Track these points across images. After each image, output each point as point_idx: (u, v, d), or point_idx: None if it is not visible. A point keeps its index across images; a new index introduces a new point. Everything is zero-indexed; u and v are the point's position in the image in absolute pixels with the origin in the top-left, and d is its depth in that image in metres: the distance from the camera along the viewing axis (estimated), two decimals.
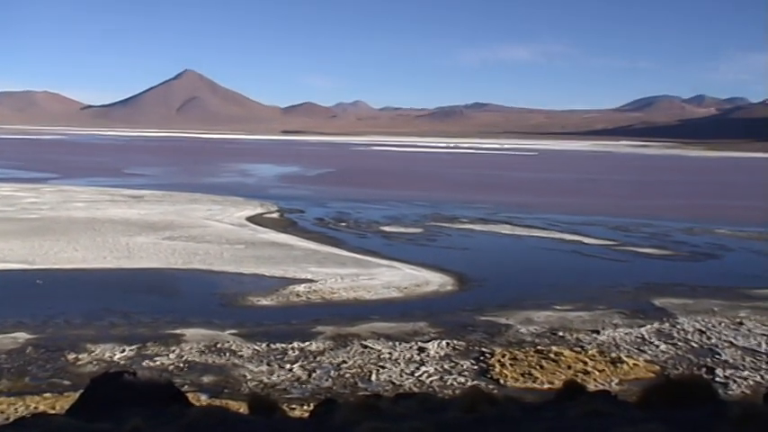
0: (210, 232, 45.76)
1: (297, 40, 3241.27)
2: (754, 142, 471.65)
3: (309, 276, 33.33)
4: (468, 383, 19.72)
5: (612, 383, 19.96)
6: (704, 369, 21.54)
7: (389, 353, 22.56)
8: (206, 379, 20.20)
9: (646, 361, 22.19)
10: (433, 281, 33.21)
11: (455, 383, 19.94)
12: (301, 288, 31.11)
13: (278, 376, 20.45)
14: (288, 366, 21.20)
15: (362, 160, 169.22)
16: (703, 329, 25.74)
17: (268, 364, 21.39)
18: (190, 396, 16.78)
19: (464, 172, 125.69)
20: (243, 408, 11.64)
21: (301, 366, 21.24)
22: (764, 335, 25.16)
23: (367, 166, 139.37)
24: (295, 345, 23.12)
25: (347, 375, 20.61)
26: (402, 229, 49.93)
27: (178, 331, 24.40)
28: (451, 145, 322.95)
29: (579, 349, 23.18)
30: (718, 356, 22.83)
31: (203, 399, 18.14)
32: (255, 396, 8.71)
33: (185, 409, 6.12)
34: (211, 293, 30.31)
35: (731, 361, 22.38)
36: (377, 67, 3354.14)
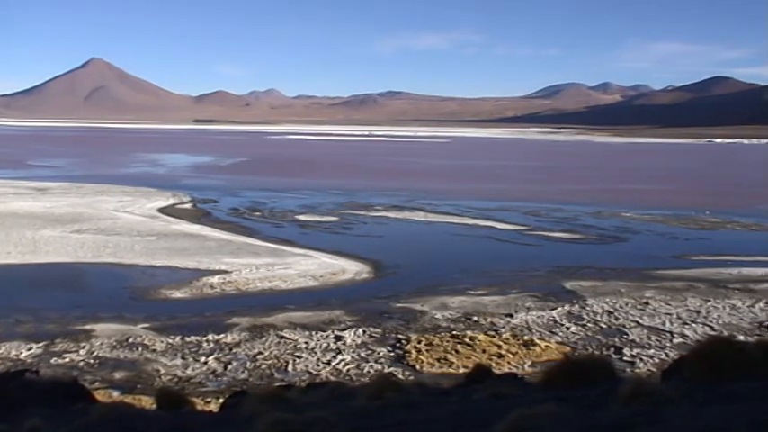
0: (121, 224, 44.55)
1: (208, 29, 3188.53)
2: (657, 128, 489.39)
3: (223, 267, 32.86)
4: (385, 370, 19.85)
5: (525, 365, 20.39)
6: (612, 348, 22.23)
7: (306, 342, 22.47)
8: (118, 375, 19.68)
9: (557, 342, 22.74)
10: (349, 269, 33.22)
11: (372, 371, 20.00)
12: (215, 279, 30.64)
13: (193, 369, 20.11)
14: (203, 359, 20.87)
15: (277, 149, 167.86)
16: (611, 310, 26.56)
17: (182, 358, 21.01)
18: (101, 393, 16.39)
19: (379, 160, 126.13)
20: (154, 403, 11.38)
21: (216, 359, 20.95)
22: (669, 314, 26.13)
23: (281, 155, 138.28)
24: (210, 337, 22.77)
25: (263, 366, 20.42)
26: (317, 218, 49.75)
27: (88, 327, 23.68)
28: (366, 133, 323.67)
29: (493, 333, 23.59)
30: (625, 336, 23.59)
31: (115, 395, 17.66)
32: (163, 391, 8.52)
33: (89, 407, 5.93)
34: (122, 287, 29.52)
35: (638, 340, 23.16)
36: (290, 56, 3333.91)
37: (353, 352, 21.72)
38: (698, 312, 26.38)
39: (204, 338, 22.63)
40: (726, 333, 23.15)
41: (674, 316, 25.90)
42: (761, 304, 27.46)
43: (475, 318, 25.49)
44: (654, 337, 23.43)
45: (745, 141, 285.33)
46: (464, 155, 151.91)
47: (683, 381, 5.86)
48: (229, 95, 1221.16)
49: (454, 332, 23.52)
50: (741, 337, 21.92)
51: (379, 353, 21.67)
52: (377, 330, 23.79)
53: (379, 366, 20.48)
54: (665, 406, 4.60)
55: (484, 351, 21.62)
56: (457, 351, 21.52)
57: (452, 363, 20.59)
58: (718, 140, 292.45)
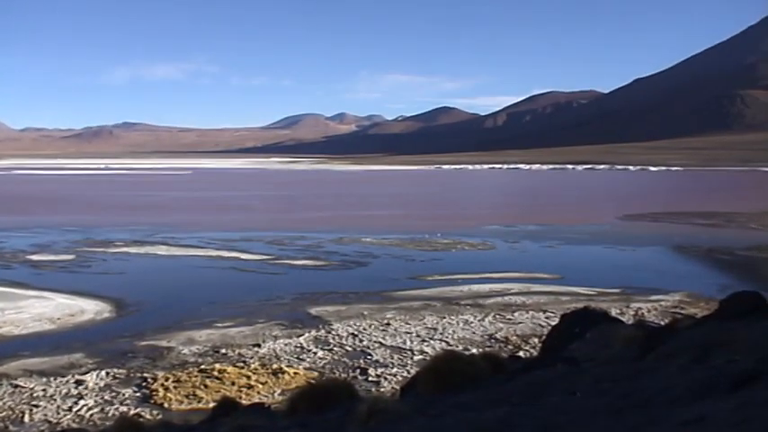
0: None
1: None
2: (391, 155, 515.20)
3: None
4: (131, 412, 19.23)
5: (275, 394, 20.70)
6: (358, 370, 23.20)
7: (44, 390, 21.10)
8: None
9: (305, 369, 23.31)
10: (89, 309, 31.61)
11: (117, 414, 19.26)
12: None
13: None
14: None
15: (1, 186, 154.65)
16: (356, 333, 27.70)
17: None
18: None
19: (117, 194, 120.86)
20: None
21: None
22: (409, 332, 27.77)
23: (7, 192, 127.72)
24: None
25: None
26: (52, 257, 46.65)
27: None
28: (102, 166, 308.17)
29: (242, 364, 23.68)
30: (370, 357, 24.72)
31: None
32: None
33: None
34: None
35: (382, 360, 24.37)
36: (16, 86, 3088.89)
37: (96, 396, 20.76)
38: (435, 329, 28.29)
39: None
40: (460, 347, 25.15)
41: (414, 334, 27.57)
42: (490, 318, 30.05)
43: (223, 350, 25.41)
44: (396, 356, 24.79)
45: (470, 167, 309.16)
46: (206, 186, 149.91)
47: (418, 396, 6.50)
48: None
49: (202, 367, 23.29)
50: (474, 350, 23.95)
51: (124, 394, 20.90)
52: (121, 371, 22.91)
53: (125, 408, 19.77)
54: (400, 422, 5.10)
55: (233, 383, 21.64)
56: (206, 386, 21.35)
57: (202, 398, 20.39)
58: (446, 166, 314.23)
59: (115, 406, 19.99)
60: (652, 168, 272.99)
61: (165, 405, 19.93)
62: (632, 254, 50.11)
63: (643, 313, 30.17)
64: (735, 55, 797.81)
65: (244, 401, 16.08)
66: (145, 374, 22.59)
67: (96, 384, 21.68)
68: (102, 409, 19.71)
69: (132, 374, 22.67)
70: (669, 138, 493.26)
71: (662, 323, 9.86)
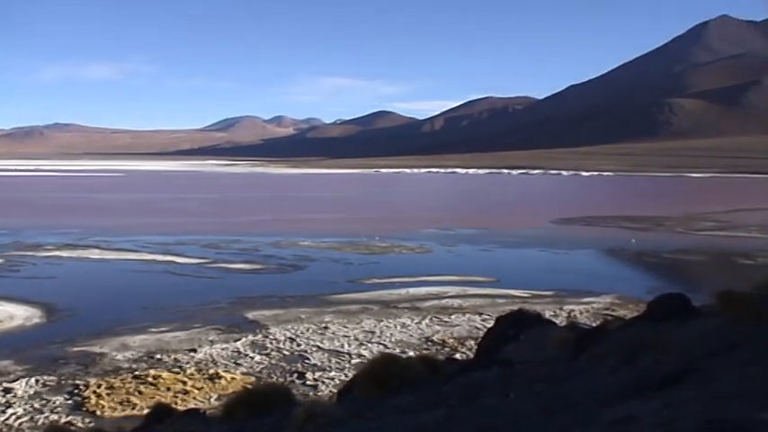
0: None
1: None
2: (330, 159, 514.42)
3: None
4: (62, 420, 18.81)
5: (211, 400, 20.51)
6: (296, 374, 23.16)
7: None
8: None
9: (242, 373, 23.15)
10: (18, 314, 30.78)
11: (47, 422, 18.82)
12: None
13: None
14: None
15: None
16: (293, 337, 27.63)
17: None
18: None
19: (47, 196, 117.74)
20: None
21: None
22: (347, 336, 27.83)
23: None
24: None
25: None
26: None
27: None
28: (32, 167, 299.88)
29: (178, 370, 23.39)
30: (308, 361, 24.69)
31: None
32: None
33: None
34: None
35: (319, 364, 24.36)
36: None
37: (26, 404, 20.23)
38: (373, 332, 28.42)
39: None
40: (398, 350, 25.29)
41: (352, 338, 27.65)
42: (427, 321, 30.32)
43: (158, 356, 25.05)
44: (334, 360, 24.81)
45: (408, 171, 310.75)
46: (140, 189, 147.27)
47: (355, 399, 6.54)
48: None
49: (137, 373, 22.93)
50: (411, 353, 24.09)
51: (55, 402, 20.42)
52: (52, 378, 22.38)
53: (56, 416, 19.33)
54: (336, 426, 5.13)
55: (168, 389, 21.36)
56: (140, 392, 21.02)
57: (136, 405, 20.07)
58: (384, 170, 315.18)
59: (45, 414, 19.53)
60: (584, 173, 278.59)
61: (98, 412, 19.56)
62: (565, 257, 51.12)
63: (575, 315, 30.86)
64: (663, 64, 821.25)
65: (179, 407, 15.89)
66: (77, 381, 22.12)
67: (26, 392, 21.14)
68: (32, 418, 19.23)
69: (63, 381, 22.17)
70: (601, 144, 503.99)
71: (593, 325, 10.10)
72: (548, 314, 25.31)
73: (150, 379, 22.12)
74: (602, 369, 5.51)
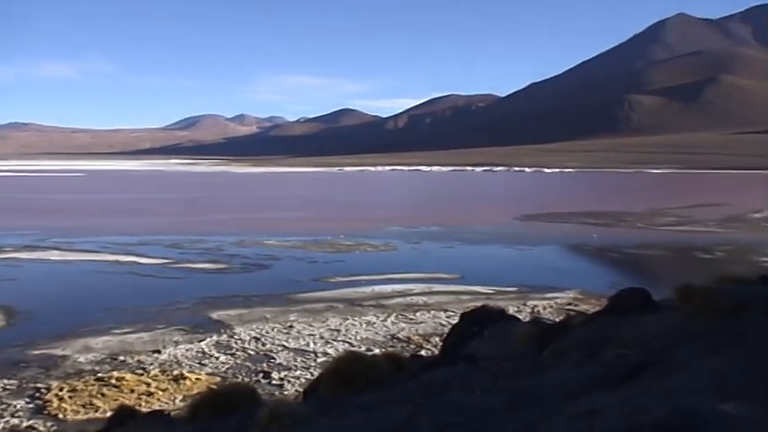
0: None
1: None
2: (293, 157, 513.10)
3: None
4: (23, 425, 18.53)
5: (176, 401, 20.35)
6: (261, 374, 23.03)
7: None
8: None
9: (207, 374, 22.98)
10: None
11: (8, 426, 18.53)
12: None
13: None
14: None
15: None
16: (258, 336, 27.49)
17: None
18: None
19: (5, 196, 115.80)
20: None
21: None
22: (312, 335, 27.76)
23: None
24: None
25: None
26: None
27: None
28: None
29: (141, 371, 23.15)
30: (273, 360, 24.58)
31: None
32: None
33: None
34: None
35: (285, 363, 24.27)
36: None
37: None
38: (338, 331, 28.39)
39: None
40: (363, 348, 25.33)
41: (317, 336, 27.59)
42: (392, 318, 30.37)
43: (121, 357, 24.77)
44: (300, 359, 24.75)
45: (372, 168, 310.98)
46: (101, 189, 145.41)
47: (321, 398, 6.54)
48: None
49: (99, 375, 22.65)
50: (376, 351, 24.15)
51: (15, 406, 20.09)
52: (12, 382, 22.01)
53: (17, 421, 19.02)
54: (302, 425, 5.13)
55: (132, 391, 21.14)
56: (103, 394, 20.77)
57: (99, 407, 19.82)
58: (348, 168, 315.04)
59: (6, 419, 19.22)
60: (547, 170, 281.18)
61: (60, 416, 19.29)
62: (529, 253, 51.55)
63: (539, 311, 31.14)
64: (623, 61, 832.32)
65: (143, 409, 15.74)
66: (38, 384, 21.80)
67: None
68: None
69: (24, 385, 21.83)
70: (562, 140, 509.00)
71: (556, 320, 10.22)
72: (512, 310, 25.54)
73: (113, 381, 21.87)
74: (566, 363, 5.59)
